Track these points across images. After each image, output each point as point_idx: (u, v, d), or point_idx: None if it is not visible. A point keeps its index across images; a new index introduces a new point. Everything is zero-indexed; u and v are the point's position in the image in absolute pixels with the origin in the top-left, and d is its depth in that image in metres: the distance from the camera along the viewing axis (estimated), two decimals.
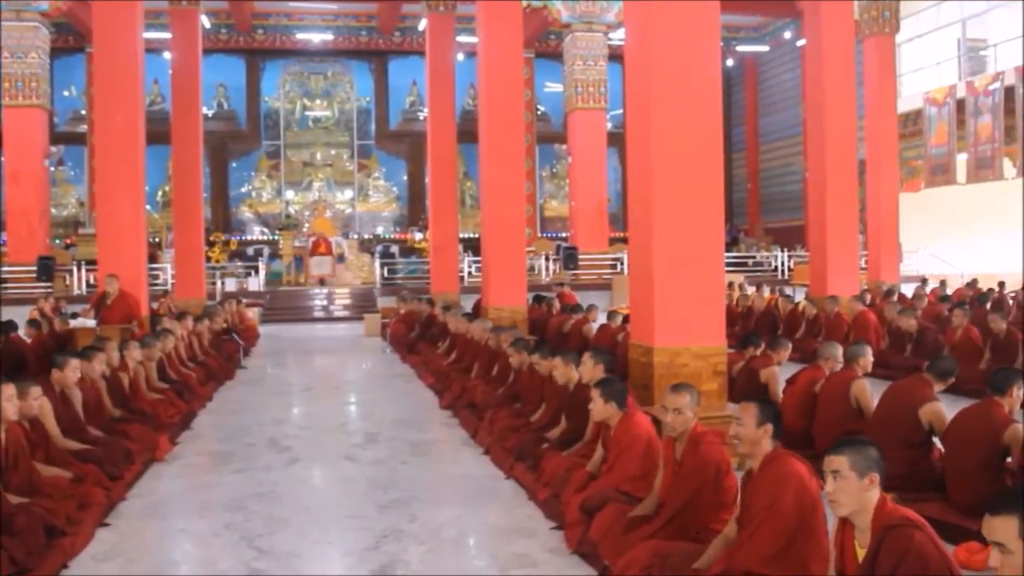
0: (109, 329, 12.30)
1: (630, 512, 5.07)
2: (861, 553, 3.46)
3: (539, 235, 32.90)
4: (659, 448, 5.42)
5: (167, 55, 24.21)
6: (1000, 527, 2.71)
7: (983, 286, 18.64)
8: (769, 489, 4.03)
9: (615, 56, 26.90)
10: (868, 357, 7.32)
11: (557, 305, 16.25)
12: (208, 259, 25.48)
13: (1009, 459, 5.63)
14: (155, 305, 17.67)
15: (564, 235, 31.02)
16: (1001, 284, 18.68)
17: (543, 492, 6.23)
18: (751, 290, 20.56)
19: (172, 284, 22.89)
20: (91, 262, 20.64)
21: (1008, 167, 22.58)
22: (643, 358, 7.98)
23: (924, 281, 20.78)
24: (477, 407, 9.29)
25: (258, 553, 5.44)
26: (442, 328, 14.85)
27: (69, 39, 29.55)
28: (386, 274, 28.06)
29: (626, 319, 10.84)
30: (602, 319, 13.76)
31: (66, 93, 31.47)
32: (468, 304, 18.20)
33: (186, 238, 20.81)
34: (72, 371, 7.42)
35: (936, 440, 6.30)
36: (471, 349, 11.95)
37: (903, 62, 26.12)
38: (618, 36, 26.50)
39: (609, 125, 28.79)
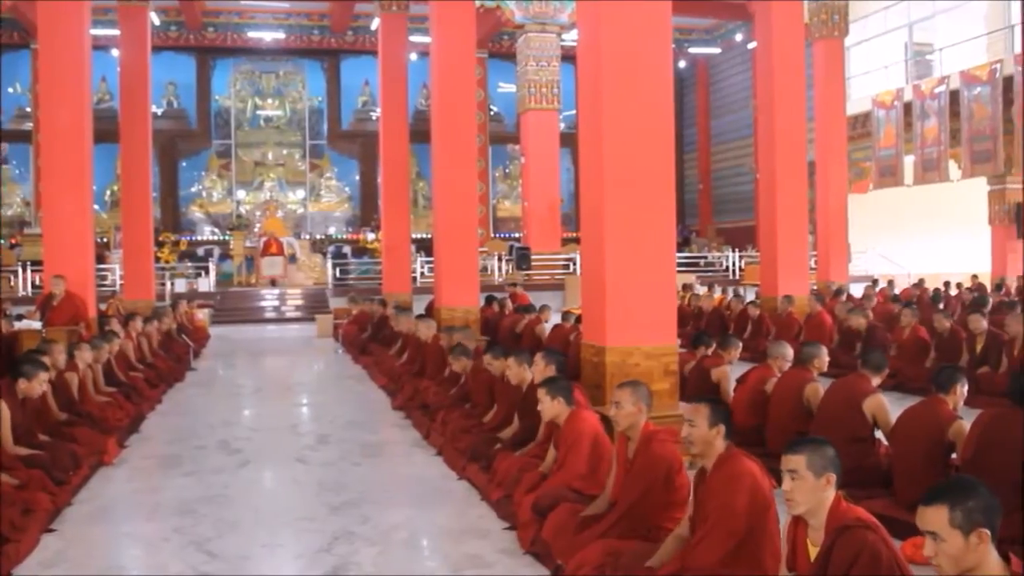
0: (55, 331, 12.11)
1: (582, 511, 5.08)
2: (813, 551, 3.50)
3: (492, 235, 32.92)
4: (607, 445, 5.44)
5: (115, 52, 23.89)
6: (932, 516, 2.81)
7: (929, 286, 18.94)
8: (722, 489, 4.05)
9: (568, 57, 26.88)
10: (823, 358, 7.39)
11: (510, 305, 16.27)
12: (157, 259, 25.14)
13: (954, 455, 5.73)
14: (103, 306, 17.42)
15: (517, 235, 31.06)
16: (946, 284, 18.99)
17: (496, 493, 6.23)
18: (703, 290, 20.72)
19: (120, 285, 22.58)
20: (37, 263, 20.32)
21: (953, 169, 22.97)
22: (595, 358, 8.00)
23: (875, 282, 21.09)
24: (429, 408, 9.28)
25: (208, 557, 5.38)
26: (393, 329, 14.79)
27: (13, 35, 29.08)
28: (338, 275, 27.93)
29: (579, 319, 10.88)
30: (555, 319, 13.80)
31: (11, 90, 30.94)
32: (420, 305, 18.14)
33: (135, 238, 20.52)
34: (39, 384, 7.25)
35: (881, 436, 6.41)
36: (423, 350, 11.92)
37: (852, 65, 26.46)
38: (571, 37, 26.55)
39: (562, 126, 28.87)
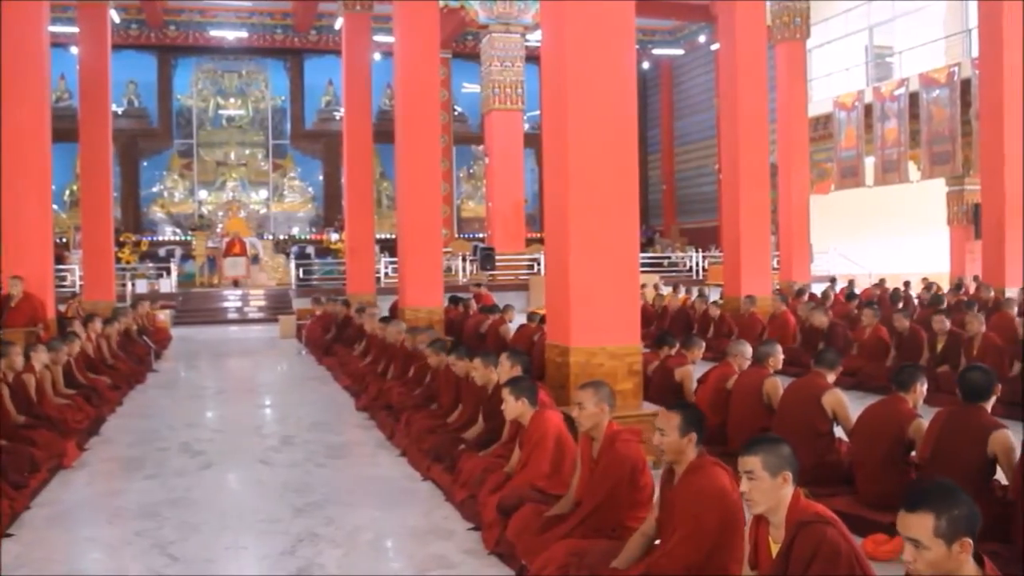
0: (13, 333, 11.93)
1: (547, 512, 5.09)
2: (775, 548, 3.51)
3: (456, 236, 32.90)
4: (570, 444, 5.46)
5: (74, 50, 23.62)
6: (916, 524, 2.78)
7: (890, 286, 19.14)
8: (692, 502, 4.03)
9: (532, 57, 27.07)
10: (778, 356, 7.47)
11: (474, 306, 16.25)
12: (118, 260, 24.89)
13: (913, 453, 5.79)
14: (63, 308, 17.21)
15: (481, 236, 31.08)
16: (906, 284, 19.20)
17: (460, 493, 6.22)
18: (667, 290, 20.82)
19: (80, 286, 22.32)
20: None
21: (913, 170, 23.26)
22: (559, 358, 8.01)
23: (833, 281, 21.29)
24: (394, 409, 9.25)
25: (170, 560, 5.33)
26: (358, 330, 14.75)
27: None
28: (301, 275, 27.78)
29: (543, 319, 10.89)
30: (519, 319, 13.80)
31: None
32: (385, 305, 18.09)
33: (95, 239, 20.28)
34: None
35: (841, 433, 6.48)
36: (387, 351, 11.88)
37: (813, 67, 26.71)
38: (535, 37, 26.64)
39: (526, 126, 28.90)
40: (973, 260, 21.59)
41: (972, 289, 17.80)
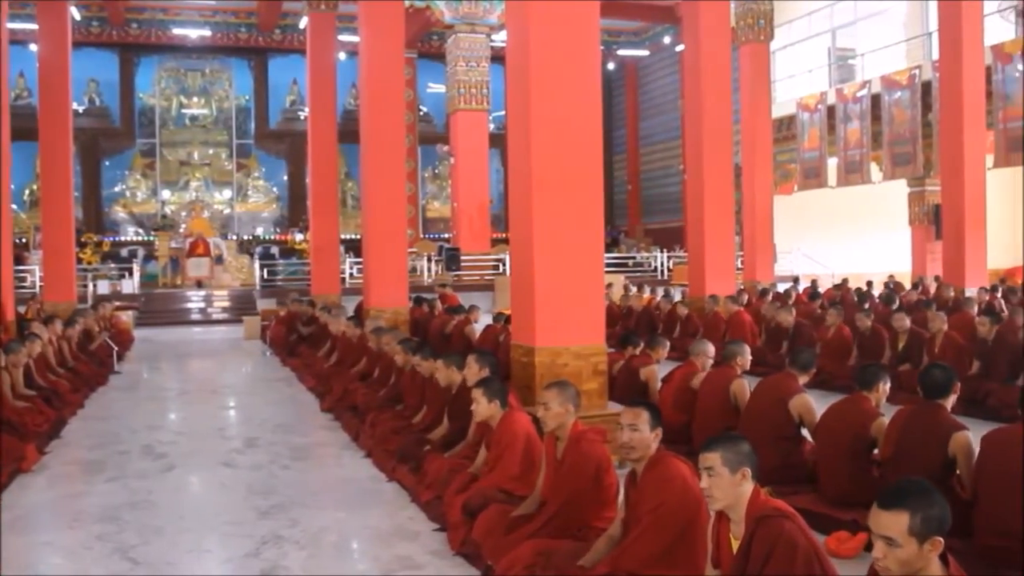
0: None
1: (512, 512, 5.09)
2: (736, 544, 3.55)
3: (421, 236, 32.86)
4: (539, 446, 5.45)
5: (34, 47, 23.33)
6: (891, 522, 2.80)
7: (852, 285, 19.33)
8: (654, 491, 4.08)
9: (498, 57, 27.03)
10: (746, 356, 7.49)
11: (439, 306, 16.22)
12: (79, 261, 24.61)
13: (876, 451, 5.85)
14: (23, 309, 16.99)
15: (446, 236, 31.04)
16: (869, 284, 19.40)
17: (426, 494, 6.20)
18: (633, 290, 20.89)
19: (41, 287, 22.05)
20: None
21: (875, 171, 23.51)
22: (524, 358, 8.01)
23: (796, 280, 21.48)
24: (359, 409, 9.21)
25: (132, 564, 5.27)
26: (323, 330, 14.68)
27: None
28: (266, 276, 27.61)
29: (508, 320, 10.90)
30: (484, 320, 13.79)
31: None
32: (350, 306, 18.02)
33: (55, 239, 20.03)
34: None
35: (806, 433, 6.52)
36: (352, 351, 11.84)
37: (777, 69, 26.90)
38: (500, 38, 26.60)
39: (492, 126, 28.90)
40: (934, 260, 21.88)
41: (933, 289, 18.02)
